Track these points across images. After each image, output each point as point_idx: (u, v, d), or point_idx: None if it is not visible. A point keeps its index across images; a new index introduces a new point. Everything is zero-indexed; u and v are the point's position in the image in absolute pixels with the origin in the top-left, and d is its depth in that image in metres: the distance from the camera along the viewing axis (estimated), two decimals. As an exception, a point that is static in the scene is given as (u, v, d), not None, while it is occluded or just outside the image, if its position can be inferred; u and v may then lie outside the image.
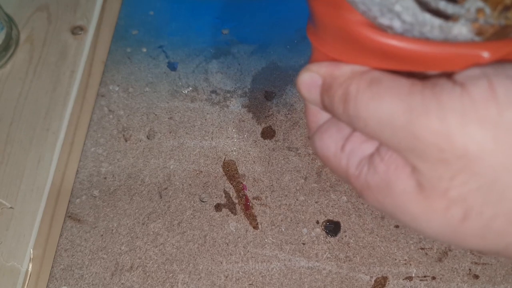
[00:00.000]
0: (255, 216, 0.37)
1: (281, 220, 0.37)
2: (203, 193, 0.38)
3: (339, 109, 0.18)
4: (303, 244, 0.36)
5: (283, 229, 0.36)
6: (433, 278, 0.34)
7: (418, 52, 0.16)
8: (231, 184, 0.38)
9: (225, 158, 0.39)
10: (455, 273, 0.34)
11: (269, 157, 0.39)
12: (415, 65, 0.17)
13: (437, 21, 0.16)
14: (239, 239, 0.36)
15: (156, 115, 0.41)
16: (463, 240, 0.17)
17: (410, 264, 0.35)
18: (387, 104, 0.16)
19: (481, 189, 0.16)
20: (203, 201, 0.37)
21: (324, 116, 0.21)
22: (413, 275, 0.34)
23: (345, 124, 0.19)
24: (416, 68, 0.17)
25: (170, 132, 0.40)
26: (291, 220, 0.37)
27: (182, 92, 0.42)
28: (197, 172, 0.39)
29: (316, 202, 0.37)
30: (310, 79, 0.20)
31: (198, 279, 0.35)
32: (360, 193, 0.19)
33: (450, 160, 0.16)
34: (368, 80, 0.17)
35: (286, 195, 0.38)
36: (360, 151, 0.19)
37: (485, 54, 0.16)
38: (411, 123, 0.16)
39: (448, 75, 0.16)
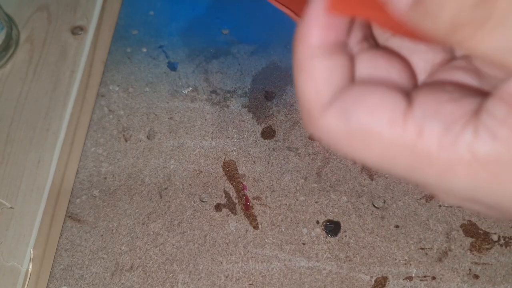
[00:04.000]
0: (255, 216, 0.37)
1: (281, 220, 0.37)
2: (203, 193, 0.38)
3: None
4: (303, 244, 0.36)
5: (283, 229, 0.36)
6: (433, 278, 0.34)
7: None
8: (231, 184, 0.38)
9: (225, 158, 0.39)
10: (455, 273, 0.34)
11: (269, 157, 0.39)
12: None
13: None
14: (239, 239, 0.36)
15: (156, 115, 0.41)
16: None
17: (410, 264, 0.35)
18: None
19: None
20: (203, 201, 0.37)
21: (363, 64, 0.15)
22: (413, 275, 0.34)
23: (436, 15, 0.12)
24: None
25: (170, 132, 0.40)
26: (291, 220, 0.37)
27: (182, 92, 0.42)
28: (197, 172, 0.39)
29: (316, 202, 0.37)
30: None
31: (198, 279, 0.34)
32: (462, 175, 0.13)
33: None
34: None
35: (286, 195, 0.37)
36: (448, 110, 0.13)
37: None
38: None
39: None
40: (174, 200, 0.37)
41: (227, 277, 0.35)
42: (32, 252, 0.36)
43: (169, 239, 0.36)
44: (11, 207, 0.37)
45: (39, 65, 0.44)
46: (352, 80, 0.15)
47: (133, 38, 0.45)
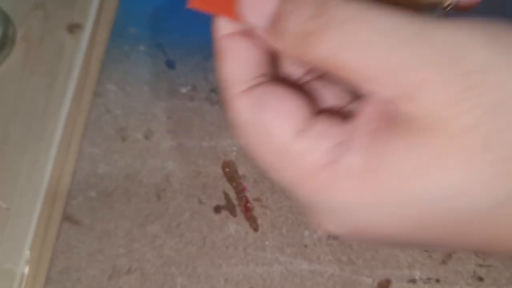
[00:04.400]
0: (256, 218, 0.36)
1: (282, 222, 0.36)
2: (202, 194, 0.37)
3: (309, 9, 0.14)
4: (305, 246, 0.35)
5: (284, 231, 0.36)
6: (437, 280, 0.34)
7: None
8: (231, 185, 0.38)
9: (224, 159, 0.39)
10: (459, 275, 0.34)
11: (270, 157, 0.39)
12: None
13: None
14: (239, 241, 0.36)
15: (154, 114, 0.41)
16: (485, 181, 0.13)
17: (414, 267, 0.34)
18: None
19: (494, 109, 0.13)
20: (202, 203, 0.37)
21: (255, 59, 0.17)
22: (417, 278, 0.34)
23: (290, 45, 0.15)
24: None
25: (168, 132, 0.40)
26: (292, 222, 0.36)
27: (180, 91, 0.42)
28: (196, 172, 0.38)
29: (318, 203, 0.37)
30: None
31: (197, 282, 0.34)
32: (335, 191, 0.14)
33: (458, 77, 0.13)
34: None
35: (287, 197, 0.37)
36: (333, 133, 0.15)
37: None
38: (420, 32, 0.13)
39: None
40: (172, 202, 0.37)
41: (226, 280, 0.34)
42: (28, 254, 0.35)
43: (167, 241, 0.36)
44: (7, 208, 0.37)
45: (35, 64, 0.43)
46: (269, 68, 0.17)
47: (131, 36, 0.45)
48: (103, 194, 0.37)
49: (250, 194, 0.37)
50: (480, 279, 0.34)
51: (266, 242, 0.36)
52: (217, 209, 0.37)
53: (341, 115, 0.16)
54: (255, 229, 0.36)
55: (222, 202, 0.37)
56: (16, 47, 0.44)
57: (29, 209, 0.37)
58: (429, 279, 0.34)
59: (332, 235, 0.16)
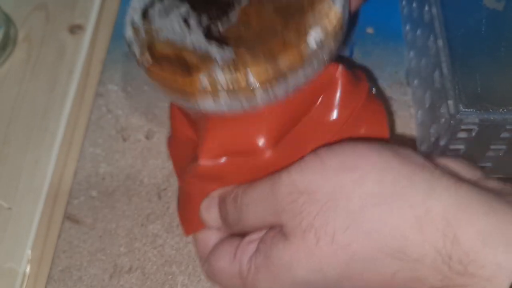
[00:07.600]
0: (256, 217, 0.36)
1: (282, 221, 0.36)
2: (202, 194, 0.37)
3: (231, 207, 0.25)
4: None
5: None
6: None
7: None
8: (231, 184, 0.38)
9: (225, 158, 0.39)
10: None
11: (270, 157, 0.39)
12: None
13: None
14: (239, 240, 0.36)
15: (155, 114, 0.41)
16: (329, 264, 0.21)
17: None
18: (259, 186, 0.24)
19: (320, 212, 0.22)
20: (203, 202, 0.37)
21: (213, 238, 0.28)
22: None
23: (234, 227, 0.26)
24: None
25: (169, 132, 0.40)
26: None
27: (181, 91, 0.42)
28: (197, 172, 0.38)
29: (317, 203, 0.37)
30: (209, 202, 0.27)
31: (198, 281, 0.34)
32: (254, 284, 0.24)
33: (297, 198, 0.22)
34: (248, 184, 0.25)
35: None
36: (248, 251, 0.25)
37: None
38: (272, 187, 0.23)
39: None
40: (173, 201, 0.37)
41: (227, 279, 0.34)
42: (30, 253, 0.35)
43: (168, 240, 0.36)
44: (9, 208, 0.37)
45: (37, 65, 0.43)
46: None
47: (132, 36, 0.45)
48: (104, 194, 0.37)
49: (250, 194, 0.37)
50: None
51: (266, 241, 0.36)
52: (218, 209, 0.37)
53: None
54: (255, 228, 0.36)
55: (223, 201, 0.37)
56: (17, 48, 0.44)
57: (31, 209, 0.37)
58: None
59: None
